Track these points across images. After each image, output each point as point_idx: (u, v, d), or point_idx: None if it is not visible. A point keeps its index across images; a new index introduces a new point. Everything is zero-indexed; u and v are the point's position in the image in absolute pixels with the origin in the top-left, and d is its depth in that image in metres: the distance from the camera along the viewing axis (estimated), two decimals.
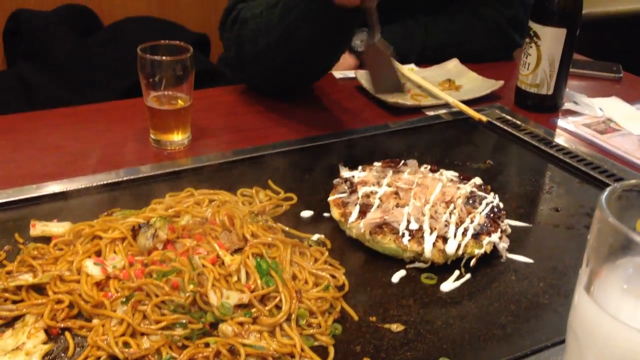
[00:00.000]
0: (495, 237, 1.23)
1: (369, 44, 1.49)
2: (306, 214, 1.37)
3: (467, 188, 1.35)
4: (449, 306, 1.13)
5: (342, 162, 1.48)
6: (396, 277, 1.19)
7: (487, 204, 1.31)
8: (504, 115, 1.84)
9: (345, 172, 1.42)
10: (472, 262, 1.20)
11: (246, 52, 1.71)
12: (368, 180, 1.36)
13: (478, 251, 1.20)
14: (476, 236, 1.22)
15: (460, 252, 1.20)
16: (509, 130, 1.75)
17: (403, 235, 1.21)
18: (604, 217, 0.70)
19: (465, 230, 1.22)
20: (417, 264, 1.21)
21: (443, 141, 1.73)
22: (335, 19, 1.51)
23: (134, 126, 1.66)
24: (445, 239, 1.20)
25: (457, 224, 1.23)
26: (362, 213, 1.27)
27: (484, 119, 1.77)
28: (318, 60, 1.73)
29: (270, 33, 1.62)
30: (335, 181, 1.40)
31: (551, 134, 1.74)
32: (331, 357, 1.00)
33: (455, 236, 1.21)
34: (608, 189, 0.74)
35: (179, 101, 1.56)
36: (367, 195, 1.31)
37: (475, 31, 2.17)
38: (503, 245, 1.25)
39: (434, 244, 1.19)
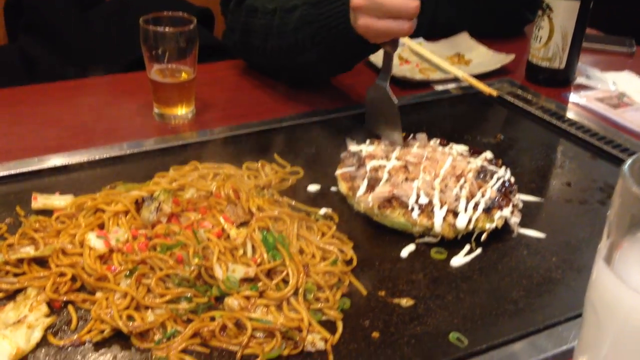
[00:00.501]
0: (506, 211, 1.20)
1: (379, 85, 1.42)
2: (313, 187, 1.34)
3: (477, 162, 1.31)
4: (459, 281, 1.10)
5: (350, 136, 1.45)
6: (405, 252, 1.17)
7: (499, 178, 1.28)
8: (514, 89, 1.80)
9: (353, 146, 1.39)
10: (483, 236, 1.18)
11: (253, 44, 1.67)
12: (376, 154, 1.33)
13: (489, 226, 1.18)
14: (487, 210, 1.19)
15: (470, 226, 1.17)
16: (520, 104, 1.72)
17: (412, 209, 1.18)
18: (627, 187, 0.67)
19: (476, 204, 1.19)
20: (426, 239, 1.19)
21: (452, 116, 1.70)
22: (351, 46, 1.44)
23: (137, 100, 1.63)
24: (455, 214, 1.18)
25: (467, 198, 1.20)
26: (371, 187, 1.24)
27: (495, 93, 1.73)
28: (325, 73, 1.71)
29: (282, 37, 1.56)
30: (343, 155, 1.37)
31: (563, 108, 1.71)
32: (339, 331, 0.98)
33: (466, 210, 1.18)
34: (631, 158, 0.71)
35: (183, 74, 1.53)
36: (376, 169, 1.28)
37: (485, 6, 2.12)
38: (515, 219, 1.22)
39: (444, 218, 1.17)
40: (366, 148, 1.37)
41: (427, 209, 1.18)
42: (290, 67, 1.65)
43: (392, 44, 1.36)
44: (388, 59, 1.41)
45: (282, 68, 1.69)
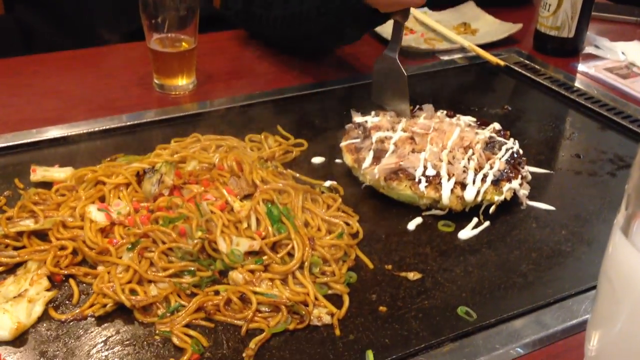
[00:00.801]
0: (515, 183, 1.18)
1: (388, 56, 1.37)
2: (317, 160, 1.31)
3: (485, 133, 1.29)
4: (467, 254, 1.09)
5: (355, 107, 1.41)
6: (412, 225, 1.15)
7: (507, 150, 1.25)
8: (522, 59, 1.76)
9: (357, 118, 1.36)
10: (492, 209, 1.15)
11: (255, 13, 1.62)
12: (382, 125, 1.30)
13: (498, 198, 1.15)
14: (496, 182, 1.17)
15: (479, 199, 1.14)
16: (528, 75, 1.68)
17: (419, 181, 1.15)
18: None
19: (485, 176, 1.17)
20: (433, 211, 1.16)
21: (458, 86, 1.66)
22: (359, 16, 1.39)
23: (137, 70, 1.60)
24: (463, 186, 1.15)
25: (475, 170, 1.18)
26: (377, 159, 1.21)
27: (502, 63, 1.69)
28: (329, 44, 1.67)
29: (286, 7, 1.52)
30: (348, 126, 1.34)
31: (571, 78, 1.67)
32: (346, 305, 0.96)
33: (474, 182, 1.15)
34: None
35: (183, 43, 1.49)
36: (382, 141, 1.25)
37: None
38: (523, 192, 1.20)
39: (451, 190, 1.14)
40: (371, 119, 1.34)
41: (434, 181, 1.15)
42: (293, 38, 1.61)
43: (402, 13, 1.32)
44: (398, 29, 1.36)
45: (285, 38, 1.65)
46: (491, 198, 1.15)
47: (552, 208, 1.20)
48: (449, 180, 1.15)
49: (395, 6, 1.30)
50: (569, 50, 1.79)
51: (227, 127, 1.37)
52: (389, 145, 1.23)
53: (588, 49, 1.84)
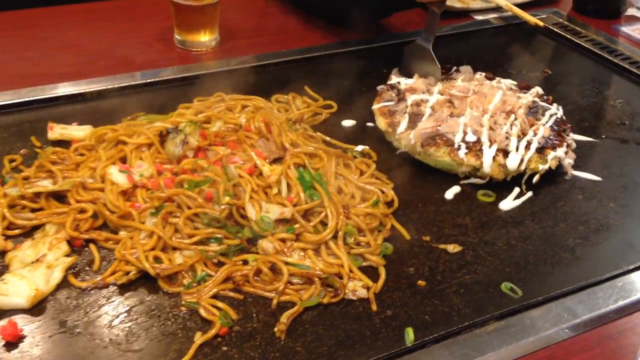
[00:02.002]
0: (560, 151, 1.11)
1: (422, 46, 1.29)
2: (348, 123, 1.24)
3: (528, 97, 1.21)
4: (509, 226, 1.02)
5: (387, 68, 1.34)
6: (450, 194, 1.08)
7: (551, 116, 1.17)
8: (561, 20, 1.67)
9: (394, 78, 1.28)
10: (536, 178, 1.08)
11: None
12: (417, 87, 1.23)
13: (542, 167, 1.08)
14: (540, 150, 1.09)
15: (522, 167, 1.07)
16: (568, 36, 1.59)
17: (459, 147, 1.08)
18: None
19: (529, 143, 1.10)
20: (472, 180, 1.10)
21: (494, 48, 1.57)
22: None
23: (157, 25, 1.52)
24: (506, 153, 1.08)
25: (519, 136, 1.10)
26: (412, 123, 1.14)
27: (541, 23, 1.60)
28: (359, 18, 1.54)
29: None
30: (379, 88, 1.26)
31: (614, 41, 1.58)
32: (382, 279, 0.91)
33: (517, 150, 1.08)
34: None
35: None
36: (417, 104, 1.18)
37: None
38: (569, 161, 1.13)
39: (493, 157, 1.07)
40: (405, 81, 1.26)
41: (474, 148, 1.08)
42: (324, 7, 1.52)
43: (439, 2, 1.24)
44: (434, 18, 1.28)
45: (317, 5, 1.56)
46: (535, 167, 1.08)
47: (598, 179, 1.13)
48: (490, 146, 1.08)
49: None
50: (610, 11, 1.70)
51: (252, 87, 1.30)
52: (425, 108, 1.16)
53: (630, 11, 1.74)
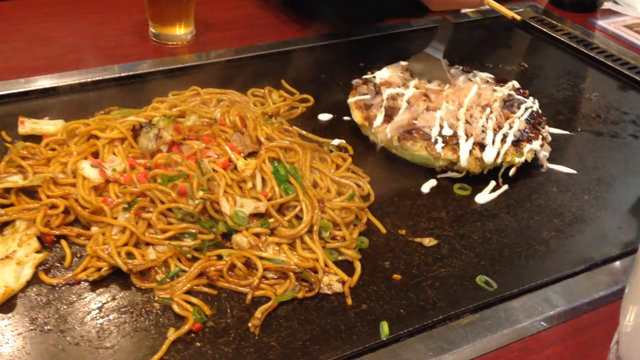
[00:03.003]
0: (536, 144, 1.11)
1: (431, 56, 1.24)
2: (324, 117, 1.24)
3: (504, 91, 1.21)
4: (485, 219, 1.02)
5: (363, 61, 1.33)
6: (426, 187, 1.08)
7: (527, 109, 1.18)
8: (538, 14, 1.67)
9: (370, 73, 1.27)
10: (512, 171, 1.09)
11: None
12: (392, 81, 1.22)
13: (518, 160, 1.08)
14: (516, 143, 1.10)
15: (499, 160, 1.07)
16: (544, 30, 1.60)
17: (436, 141, 1.08)
18: None
19: (505, 136, 1.10)
20: (449, 174, 1.10)
21: (471, 41, 1.57)
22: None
23: (132, 18, 1.50)
24: (482, 146, 1.08)
25: (494, 129, 1.10)
26: (388, 117, 1.13)
27: (518, 17, 1.59)
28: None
29: None
30: (355, 82, 1.25)
31: (590, 35, 1.59)
32: (358, 273, 0.90)
33: (493, 143, 1.08)
34: None
35: None
36: (393, 98, 1.17)
37: None
38: (544, 153, 1.13)
39: (470, 151, 1.07)
40: (380, 74, 1.25)
41: (451, 142, 1.08)
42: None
43: (453, 12, 1.22)
44: (446, 28, 1.24)
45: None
46: (511, 160, 1.08)
47: (573, 171, 1.14)
48: (467, 140, 1.08)
49: (448, 6, 1.19)
50: (587, 5, 1.71)
51: (228, 80, 1.29)
52: (401, 102, 1.15)
53: (606, 5, 1.75)
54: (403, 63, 1.29)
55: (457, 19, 1.21)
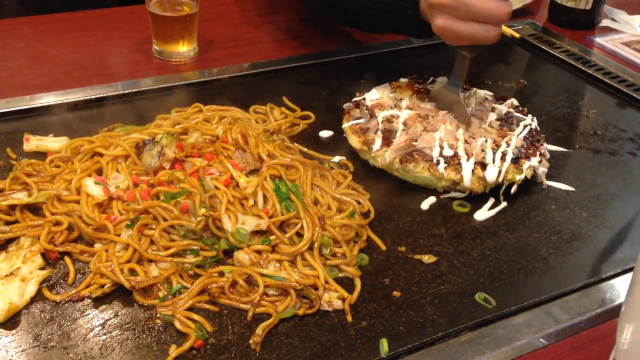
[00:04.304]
0: (534, 160, 1.12)
1: (448, 92, 1.20)
2: (325, 134, 1.25)
3: (503, 108, 1.22)
4: (484, 237, 1.03)
5: (364, 79, 1.34)
6: (426, 204, 1.09)
7: (525, 126, 1.19)
8: (536, 32, 1.69)
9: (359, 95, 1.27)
10: (513, 189, 1.09)
11: None
12: (384, 103, 1.22)
13: (519, 177, 1.09)
14: (515, 160, 1.11)
15: (500, 178, 1.08)
16: (543, 47, 1.61)
17: (438, 162, 1.09)
18: None
19: (504, 154, 1.11)
20: (453, 194, 1.10)
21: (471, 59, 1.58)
22: (412, 26, 1.24)
23: (135, 35, 1.52)
24: (483, 165, 1.09)
25: (493, 148, 1.11)
26: (386, 139, 1.13)
27: (517, 35, 1.62)
28: (374, 31, 1.53)
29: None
30: (346, 106, 1.25)
31: (588, 52, 1.61)
32: (358, 290, 0.91)
33: (494, 161, 1.09)
34: None
35: (184, 7, 1.42)
36: (389, 120, 1.17)
37: None
38: (542, 169, 1.14)
39: (472, 171, 1.08)
40: (370, 96, 1.25)
41: (452, 162, 1.09)
42: (337, 17, 1.47)
43: (470, 47, 1.16)
44: (463, 63, 1.18)
45: (326, 14, 1.52)
46: (512, 177, 1.09)
47: (571, 189, 1.15)
48: (468, 160, 1.09)
49: (463, 42, 1.14)
50: (585, 23, 1.72)
51: (230, 98, 1.30)
52: (397, 124, 1.16)
53: (605, 22, 1.77)
54: (403, 80, 1.31)
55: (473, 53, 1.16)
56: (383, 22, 1.29)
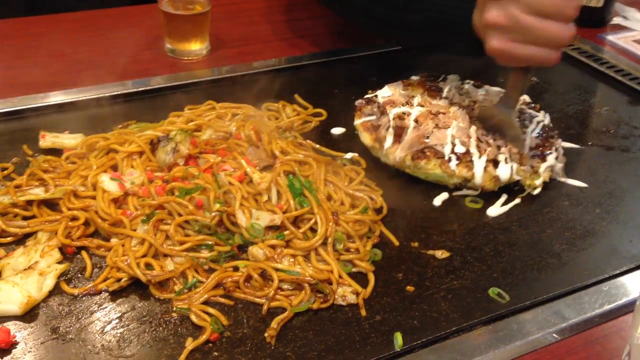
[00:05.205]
0: (551, 158, 1.11)
1: (500, 111, 1.13)
2: (337, 130, 1.26)
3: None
4: (496, 232, 1.03)
5: (375, 76, 1.34)
6: (438, 200, 1.09)
7: (538, 123, 1.19)
8: None
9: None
10: (537, 191, 1.10)
11: None
12: (395, 100, 1.22)
13: (538, 181, 1.09)
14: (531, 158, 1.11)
15: (515, 177, 1.08)
16: None
17: (449, 159, 1.09)
18: None
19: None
20: (465, 192, 1.10)
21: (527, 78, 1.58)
22: (462, 43, 1.17)
23: (148, 34, 1.53)
24: (495, 163, 1.09)
25: (505, 145, 1.12)
26: (397, 137, 1.13)
27: None
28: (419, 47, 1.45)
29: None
30: (358, 102, 1.25)
31: (599, 50, 1.60)
32: (371, 284, 0.92)
33: (506, 160, 1.09)
34: None
35: (197, 6, 1.42)
36: (400, 117, 1.17)
37: None
38: (559, 165, 1.14)
39: (484, 168, 1.08)
40: (382, 93, 1.25)
41: (464, 159, 1.09)
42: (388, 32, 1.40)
43: (526, 69, 1.09)
44: (518, 82, 1.10)
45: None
46: (531, 183, 1.09)
47: (584, 185, 1.15)
48: (480, 157, 1.09)
49: (520, 64, 1.07)
50: (596, 20, 1.72)
51: (243, 95, 1.31)
52: (408, 121, 1.16)
53: (616, 20, 1.76)
54: (414, 78, 1.31)
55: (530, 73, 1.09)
56: (431, 39, 1.21)
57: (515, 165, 1.08)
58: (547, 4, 0.96)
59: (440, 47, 1.27)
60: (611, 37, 1.68)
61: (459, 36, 1.14)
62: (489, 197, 1.10)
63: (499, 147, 1.11)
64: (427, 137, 1.12)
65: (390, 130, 1.15)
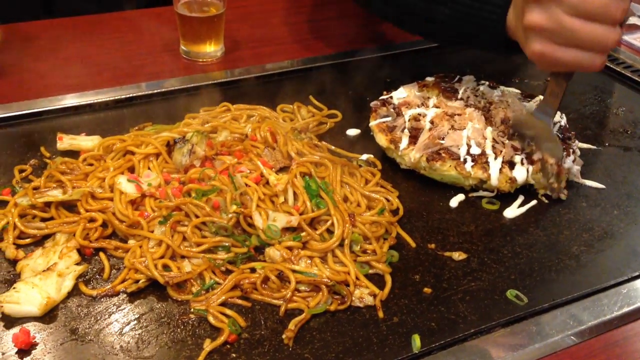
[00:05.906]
0: (569, 161, 1.11)
1: (538, 118, 1.08)
2: (352, 132, 1.26)
3: (532, 106, 1.22)
4: (514, 234, 1.03)
5: (390, 77, 1.34)
6: (454, 202, 1.09)
7: (555, 124, 1.18)
8: None
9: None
10: (560, 194, 1.09)
11: None
12: (411, 101, 1.22)
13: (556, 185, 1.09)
14: None
15: (530, 179, 1.08)
16: None
17: (465, 160, 1.08)
18: None
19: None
20: (481, 193, 1.10)
21: (497, 57, 1.58)
22: (495, 41, 1.12)
23: (163, 36, 1.53)
24: (511, 164, 1.08)
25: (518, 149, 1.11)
26: (413, 138, 1.13)
27: None
28: (449, 43, 1.43)
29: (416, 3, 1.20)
30: (373, 104, 1.25)
31: (616, 49, 1.59)
32: (389, 286, 0.92)
33: (522, 162, 1.08)
34: None
35: (212, 8, 1.43)
36: (415, 118, 1.17)
37: None
38: (577, 167, 1.13)
39: (500, 170, 1.07)
40: (397, 94, 1.25)
41: (480, 160, 1.08)
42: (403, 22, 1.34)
43: (568, 75, 1.06)
44: (558, 89, 1.06)
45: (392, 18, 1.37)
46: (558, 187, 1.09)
47: (602, 186, 1.14)
48: (495, 159, 1.08)
49: (562, 69, 1.03)
50: None
51: (258, 97, 1.31)
52: (424, 122, 1.16)
53: (632, 20, 1.75)
54: (429, 79, 1.31)
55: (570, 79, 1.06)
56: (460, 34, 1.17)
57: (530, 168, 1.08)
58: (593, 5, 0.91)
59: (467, 42, 1.23)
60: (627, 37, 1.67)
61: (492, 33, 1.10)
62: (506, 198, 1.09)
63: (514, 149, 1.10)
64: (443, 139, 1.11)
65: (406, 131, 1.15)
